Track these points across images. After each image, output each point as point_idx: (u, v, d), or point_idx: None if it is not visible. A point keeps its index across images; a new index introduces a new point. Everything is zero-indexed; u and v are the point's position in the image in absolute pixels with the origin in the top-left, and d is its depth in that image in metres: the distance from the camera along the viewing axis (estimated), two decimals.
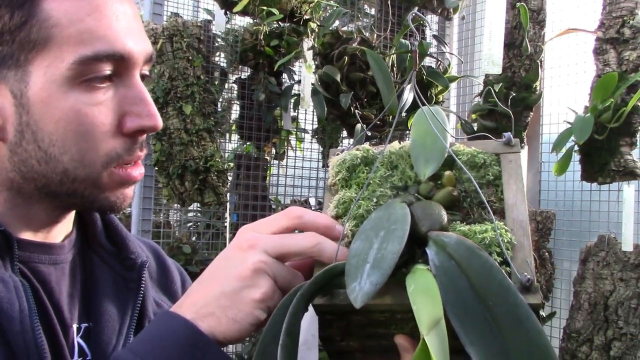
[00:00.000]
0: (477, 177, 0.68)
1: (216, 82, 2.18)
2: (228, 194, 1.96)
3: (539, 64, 2.15)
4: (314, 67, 1.67)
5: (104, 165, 0.67)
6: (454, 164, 0.70)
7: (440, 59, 2.58)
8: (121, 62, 0.66)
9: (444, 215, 0.61)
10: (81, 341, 0.73)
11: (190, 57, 1.92)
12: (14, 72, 0.63)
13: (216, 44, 2.19)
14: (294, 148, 2.68)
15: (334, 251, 0.62)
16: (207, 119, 1.91)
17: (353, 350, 0.66)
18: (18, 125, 0.64)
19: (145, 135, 0.71)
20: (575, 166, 1.96)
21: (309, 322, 0.57)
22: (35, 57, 0.62)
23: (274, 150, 2.61)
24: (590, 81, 1.94)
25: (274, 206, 2.49)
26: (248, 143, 2.36)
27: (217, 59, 2.28)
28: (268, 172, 2.40)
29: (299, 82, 2.30)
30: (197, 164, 1.86)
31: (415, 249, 0.59)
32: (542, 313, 1.99)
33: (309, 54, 1.65)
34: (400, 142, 0.75)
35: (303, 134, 2.64)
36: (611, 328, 1.87)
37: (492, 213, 0.62)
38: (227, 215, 2.00)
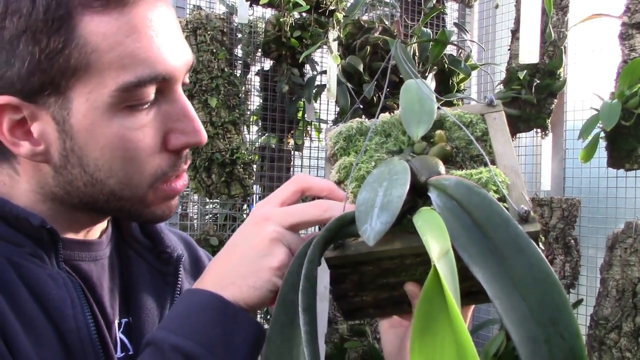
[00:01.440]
0: (465, 135, 0.72)
1: (239, 75, 2.18)
2: (254, 186, 1.97)
3: (563, 50, 2.14)
4: (338, 57, 1.66)
5: (149, 184, 0.67)
6: (443, 126, 0.75)
7: (461, 46, 2.57)
8: (164, 83, 0.64)
9: (441, 165, 0.64)
10: (123, 336, 0.74)
11: (214, 50, 1.93)
12: (54, 99, 0.61)
13: (239, 36, 2.20)
14: (312, 138, 2.68)
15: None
16: (232, 112, 1.92)
17: (366, 305, 0.69)
18: (62, 150, 0.64)
19: (189, 149, 0.71)
20: (601, 153, 1.95)
21: (321, 275, 0.60)
22: (75, 84, 0.61)
23: (292, 142, 2.62)
24: (616, 67, 1.92)
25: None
26: (268, 134, 2.36)
27: (239, 51, 2.28)
28: (291, 163, 2.41)
29: (321, 73, 2.30)
30: (224, 157, 1.87)
31: (416, 198, 0.62)
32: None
33: (334, 45, 1.65)
34: (390, 113, 0.79)
35: (321, 124, 2.64)
36: None
37: (487, 161, 0.65)
38: (252, 206, 2.01)
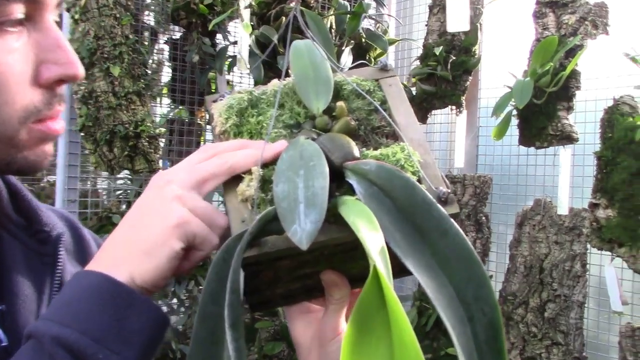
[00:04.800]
0: (364, 105, 0.69)
1: (146, 43, 2.06)
2: (160, 161, 1.86)
3: (479, 27, 2.13)
4: (249, 26, 1.58)
5: (21, 121, 0.58)
6: (339, 94, 0.70)
7: (379, 20, 2.52)
8: (33, 4, 0.57)
9: (354, 145, 0.61)
10: None
11: (118, 15, 1.79)
12: None
13: (146, 1, 2.06)
14: None
15: (252, 155, 0.61)
16: (137, 82, 1.80)
17: (277, 297, 0.66)
18: None
19: (64, 87, 0.63)
20: (513, 130, 1.96)
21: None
22: None
23: (207, 115, 2.51)
24: (530, 45, 1.93)
25: None
26: (180, 107, 2.24)
27: (146, 17, 2.14)
28: (202, 137, 2.30)
29: (234, 43, 2.20)
30: (127, 129, 1.75)
31: (331, 184, 0.58)
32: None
33: (246, 13, 1.56)
34: (280, 80, 0.72)
35: None
36: (546, 290, 1.90)
37: (399, 135, 0.63)
38: None
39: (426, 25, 2.24)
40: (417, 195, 0.52)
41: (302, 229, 0.51)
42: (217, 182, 0.61)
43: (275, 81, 0.72)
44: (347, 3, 2.15)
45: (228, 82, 2.44)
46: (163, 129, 2.08)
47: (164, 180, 0.59)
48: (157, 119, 2.24)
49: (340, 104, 0.68)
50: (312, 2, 2.16)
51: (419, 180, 0.59)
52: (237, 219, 0.60)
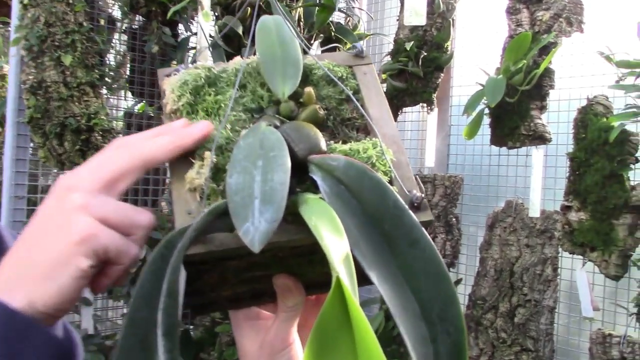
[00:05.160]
0: (335, 93, 0.64)
1: (103, 32, 1.95)
2: None
3: (451, 22, 2.08)
4: (212, 16, 1.49)
5: None
6: (308, 79, 0.64)
7: (349, 14, 2.45)
8: None
9: (321, 137, 0.56)
10: None
11: (71, 1, 1.69)
12: None
13: None
14: None
15: (168, 144, 0.54)
16: (91, 72, 1.69)
17: (222, 300, 0.60)
18: None
19: None
20: (484, 130, 1.91)
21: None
22: None
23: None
24: (503, 42, 1.88)
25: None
26: (142, 102, 2.14)
27: (117, 11, 2.03)
28: None
29: (197, 34, 2.10)
30: (79, 122, 1.64)
31: (291, 178, 0.52)
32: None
33: (206, 1, 1.48)
34: (242, 58, 0.66)
35: None
36: (516, 295, 1.85)
37: (373, 129, 0.58)
38: None
39: (397, 19, 2.18)
40: (388, 199, 0.47)
41: (255, 228, 0.45)
42: (131, 179, 0.52)
43: (237, 59, 0.65)
44: None
45: None
46: (121, 123, 1.98)
47: (65, 187, 0.50)
48: (116, 113, 2.13)
49: (308, 89, 0.61)
50: None
51: (391, 182, 0.54)
52: (182, 210, 0.53)
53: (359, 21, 2.42)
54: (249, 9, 1.95)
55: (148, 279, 0.47)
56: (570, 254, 1.74)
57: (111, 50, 2.13)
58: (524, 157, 2.01)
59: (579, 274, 1.73)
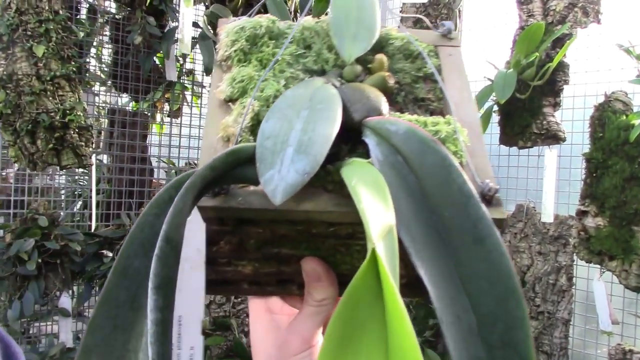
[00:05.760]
0: (412, 69, 0.58)
1: (83, 21, 1.82)
2: (94, 156, 1.63)
3: (457, 14, 1.96)
4: (200, 3, 1.36)
5: None
6: (383, 50, 0.58)
7: None
8: None
9: (384, 100, 0.49)
10: None
11: None
12: None
13: None
14: (190, 104, 2.37)
15: None
16: (66, 64, 1.56)
17: (241, 278, 0.52)
18: None
19: None
20: (493, 128, 1.79)
21: (193, 232, 0.43)
22: None
23: (167, 107, 2.29)
24: (513, 34, 1.76)
25: (164, 167, 2.19)
26: (125, 96, 2.01)
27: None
28: (149, 129, 2.07)
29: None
30: (53, 119, 1.51)
31: (341, 143, 0.47)
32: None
33: None
34: (316, 18, 0.61)
35: (201, 88, 2.33)
36: (528, 306, 1.73)
37: (450, 106, 0.50)
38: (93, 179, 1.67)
39: (401, 11, 2.06)
40: (454, 181, 0.40)
41: (281, 177, 0.40)
42: None
43: (308, 18, 0.61)
44: None
45: (190, 72, 2.22)
46: (103, 120, 1.85)
47: None
48: (97, 109, 2.00)
49: (380, 55, 0.56)
50: None
51: (461, 166, 0.46)
52: (207, 161, 0.46)
53: None
54: None
55: (149, 222, 0.40)
56: (586, 262, 1.62)
57: (99, 41, 2.01)
58: (536, 157, 1.92)
59: (597, 285, 1.61)
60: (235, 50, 0.57)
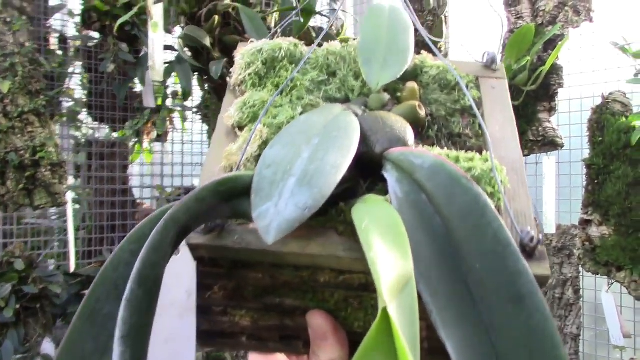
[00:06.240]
0: (448, 101, 0.55)
1: (59, 52, 1.76)
2: (68, 193, 1.56)
3: (443, 20, 1.90)
4: (161, 25, 1.30)
5: None
6: (417, 79, 0.55)
7: (329, 17, 2.26)
8: None
9: (410, 131, 0.44)
10: None
11: (9, 19, 1.49)
12: None
13: (50, 3, 1.76)
14: (178, 129, 2.30)
15: None
16: (35, 98, 1.50)
17: (239, 330, 0.47)
18: None
19: None
20: None
21: (181, 271, 0.39)
22: None
23: (155, 133, 2.23)
24: (502, 38, 1.69)
25: (157, 194, 2.11)
26: (105, 127, 1.94)
27: (53, 22, 1.83)
28: (131, 160, 2.01)
29: (169, 47, 1.92)
30: (22, 157, 1.44)
31: (358, 177, 0.43)
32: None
33: (156, 9, 1.28)
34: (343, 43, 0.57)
35: (187, 111, 2.27)
36: None
37: (490, 150, 0.44)
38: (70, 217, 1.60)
39: None
40: (488, 226, 0.35)
41: (277, 212, 0.35)
42: None
43: (335, 43, 0.59)
44: None
45: (174, 94, 2.16)
46: (80, 155, 1.78)
47: None
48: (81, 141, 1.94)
49: (412, 83, 0.52)
50: None
51: (498, 210, 0.42)
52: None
53: (342, 25, 2.22)
54: (217, 17, 1.76)
55: (125, 259, 0.36)
56: (593, 274, 1.54)
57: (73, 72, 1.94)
58: (534, 165, 1.86)
59: (605, 297, 1.53)
60: (250, 74, 0.54)
